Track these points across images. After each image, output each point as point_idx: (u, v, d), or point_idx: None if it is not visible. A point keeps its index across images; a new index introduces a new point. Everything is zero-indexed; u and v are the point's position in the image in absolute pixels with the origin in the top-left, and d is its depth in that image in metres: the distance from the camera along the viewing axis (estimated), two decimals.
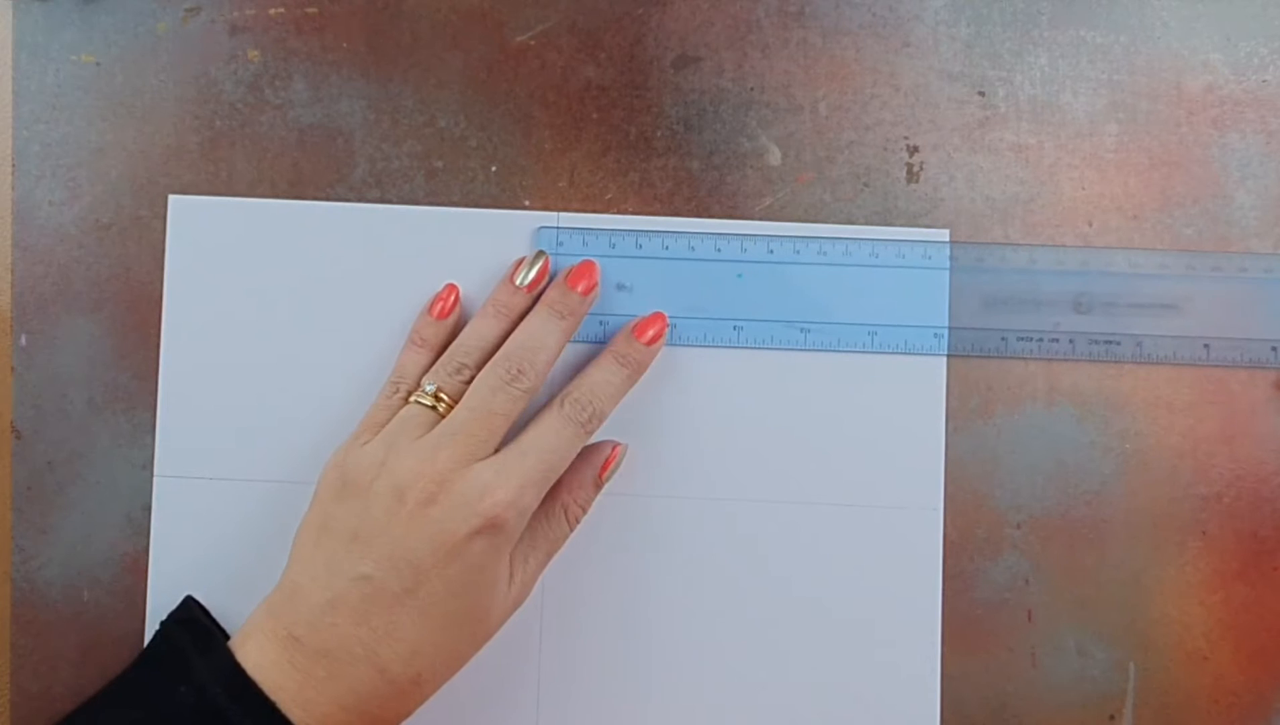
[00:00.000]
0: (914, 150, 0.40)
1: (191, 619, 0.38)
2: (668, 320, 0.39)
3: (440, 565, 0.34)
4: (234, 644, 0.36)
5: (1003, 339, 0.40)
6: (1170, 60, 0.40)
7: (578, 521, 0.38)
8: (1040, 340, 0.40)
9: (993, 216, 0.40)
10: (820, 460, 0.40)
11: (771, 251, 0.40)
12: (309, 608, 0.35)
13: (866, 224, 0.40)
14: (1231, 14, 0.40)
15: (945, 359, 0.40)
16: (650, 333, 0.39)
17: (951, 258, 0.40)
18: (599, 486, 0.39)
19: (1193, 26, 0.40)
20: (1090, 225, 0.40)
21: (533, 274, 0.39)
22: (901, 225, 0.40)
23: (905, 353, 0.40)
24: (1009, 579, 0.40)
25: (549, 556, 0.38)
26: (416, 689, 0.35)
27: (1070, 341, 0.40)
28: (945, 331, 0.40)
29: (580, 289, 0.38)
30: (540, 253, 0.39)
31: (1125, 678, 0.40)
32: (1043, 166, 0.40)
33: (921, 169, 0.40)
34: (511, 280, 0.39)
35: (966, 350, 0.40)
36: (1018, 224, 0.40)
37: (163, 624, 0.38)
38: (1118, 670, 0.40)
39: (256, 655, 0.35)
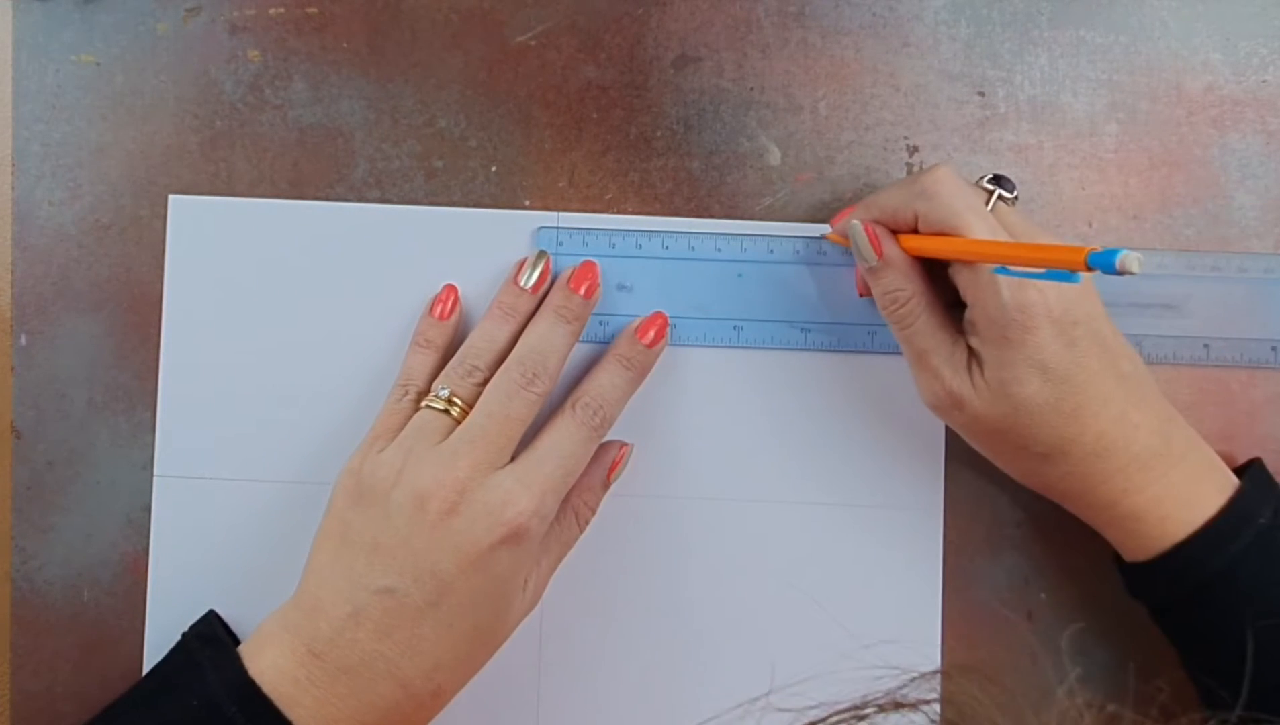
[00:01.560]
0: (914, 150, 0.40)
1: (213, 635, 0.37)
2: (669, 320, 0.39)
3: (464, 576, 0.34)
4: (247, 657, 0.35)
5: None
6: (1170, 60, 0.40)
7: (588, 523, 0.38)
8: None
9: None
10: (820, 460, 0.40)
11: (771, 251, 0.40)
12: (329, 623, 0.34)
13: None
14: (1231, 14, 0.40)
15: None
16: (652, 333, 0.39)
17: None
18: (607, 487, 0.39)
19: (1193, 26, 0.40)
20: (1090, 225, 0.40)
21: (536, 275, 0.39)
22: None
23: None
24: (1009, 579, 0.40)
25: (560, 559, 0.38)
26: (435, 700, 0.35)
27: None
28: None
29: (583, 292, 0.38)
30: (542, 253, 0.39)
31: (1125, 678, 0.39)
32: (1043, 166, 0.40)
33: (921, 169, 0.40)
34: (515, 282, 0.39)
35: None
36: None
37: (184, 636, 0.37)
38: (1118, 670, 0.40)
39: (272, 671, 0.34)
